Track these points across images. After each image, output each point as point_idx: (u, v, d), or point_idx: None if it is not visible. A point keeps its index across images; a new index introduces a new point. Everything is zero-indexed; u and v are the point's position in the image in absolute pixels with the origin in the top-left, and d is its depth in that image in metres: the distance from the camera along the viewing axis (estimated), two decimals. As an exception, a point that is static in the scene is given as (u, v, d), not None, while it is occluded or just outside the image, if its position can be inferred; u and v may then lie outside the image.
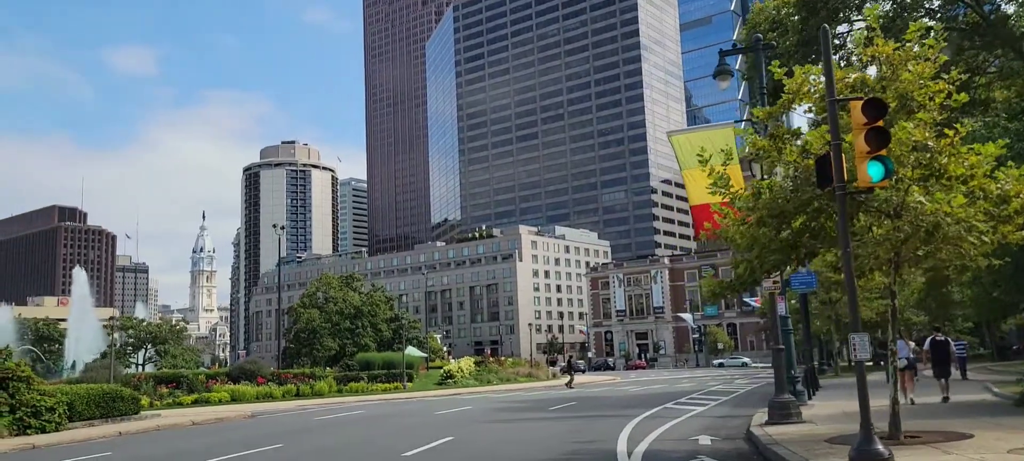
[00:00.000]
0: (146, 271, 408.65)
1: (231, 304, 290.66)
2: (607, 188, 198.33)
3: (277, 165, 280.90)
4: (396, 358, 50.92)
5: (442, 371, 52.16)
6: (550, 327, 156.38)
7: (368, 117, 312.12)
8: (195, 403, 38.35)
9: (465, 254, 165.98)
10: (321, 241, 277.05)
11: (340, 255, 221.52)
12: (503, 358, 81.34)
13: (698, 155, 12.64)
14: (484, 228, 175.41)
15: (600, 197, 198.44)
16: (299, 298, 69.53)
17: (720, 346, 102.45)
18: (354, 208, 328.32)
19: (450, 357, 78.30)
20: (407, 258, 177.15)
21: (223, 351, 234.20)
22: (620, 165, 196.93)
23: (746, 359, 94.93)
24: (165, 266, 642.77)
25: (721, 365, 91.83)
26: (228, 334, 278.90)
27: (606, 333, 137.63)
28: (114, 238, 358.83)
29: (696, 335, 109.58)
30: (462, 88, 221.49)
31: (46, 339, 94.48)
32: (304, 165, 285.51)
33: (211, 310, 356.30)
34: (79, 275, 69.49)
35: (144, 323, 51.79)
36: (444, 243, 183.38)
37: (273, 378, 44.77)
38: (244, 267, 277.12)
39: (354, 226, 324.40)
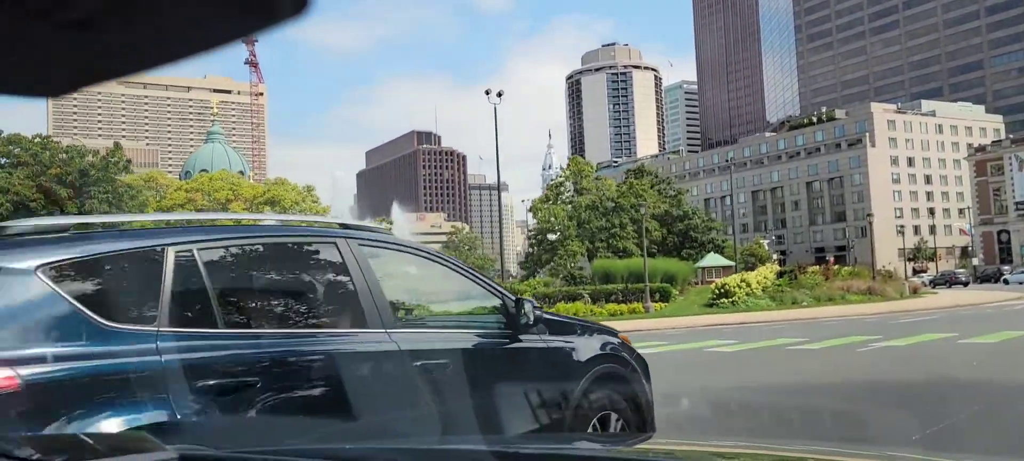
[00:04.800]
0: (504, 189, 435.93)
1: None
2: (996, 49, 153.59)
3: (597, 70, 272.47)
4: (640, 266, 34.46)
5: (712, 287, 34.54)
6: (917, 228, 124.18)
7: (696, 17, 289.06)
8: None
9: (799, 143, 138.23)
10: (646, 144, 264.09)
11: (657, 156, 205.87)
12: (836, 267, 59.66)
13: None
14: (824, 110, 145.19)
15: (987, 62, 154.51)
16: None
17: None
18: (687, 113, 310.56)
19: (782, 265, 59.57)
20: (728, 154, 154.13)
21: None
22: (1016, 17, 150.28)
23: None
24: (524, 186, 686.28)
25: (1006, 282, 57.07)
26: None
27: (999, 233, 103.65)
28: (464, 158, 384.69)
29: None
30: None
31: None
32: (624, 66, 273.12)
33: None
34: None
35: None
36: (773, 133, 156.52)
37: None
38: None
39: (687, 131, 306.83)
